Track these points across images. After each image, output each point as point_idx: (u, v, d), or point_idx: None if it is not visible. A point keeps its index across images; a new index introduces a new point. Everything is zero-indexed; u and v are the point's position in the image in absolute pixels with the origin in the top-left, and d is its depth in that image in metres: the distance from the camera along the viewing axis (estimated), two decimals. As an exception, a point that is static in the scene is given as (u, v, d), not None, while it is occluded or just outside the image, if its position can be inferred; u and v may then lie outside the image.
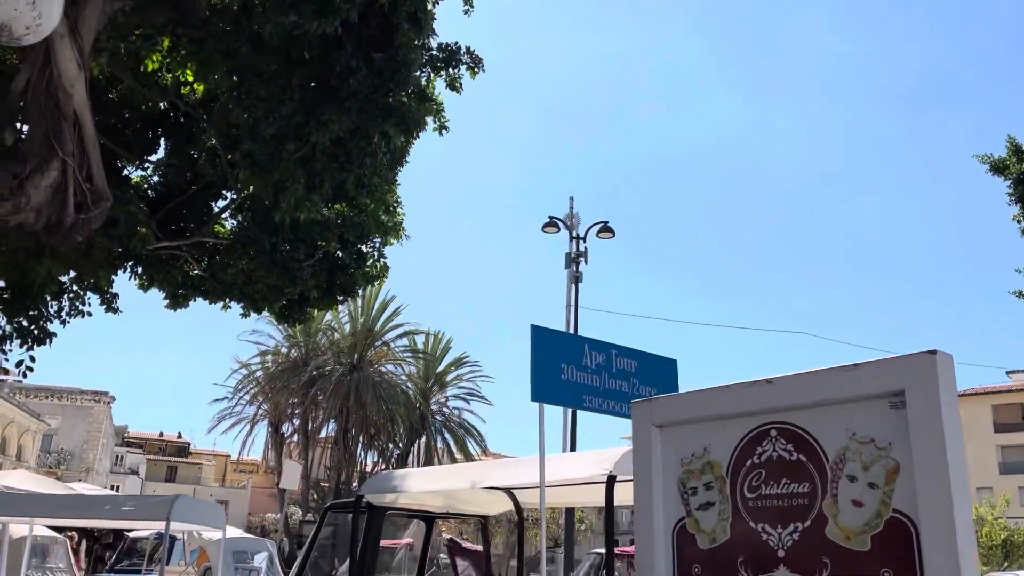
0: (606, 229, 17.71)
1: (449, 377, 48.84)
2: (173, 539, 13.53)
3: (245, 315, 10.38)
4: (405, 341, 46.75)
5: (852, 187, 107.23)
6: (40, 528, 11.58)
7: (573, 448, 15.94)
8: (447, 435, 48.05)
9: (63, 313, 9.40)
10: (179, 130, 9.90)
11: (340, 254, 9.76)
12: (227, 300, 10.12)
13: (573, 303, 16.72)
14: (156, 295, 10.00)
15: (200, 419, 60.24)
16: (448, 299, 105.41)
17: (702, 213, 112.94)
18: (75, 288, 9.54)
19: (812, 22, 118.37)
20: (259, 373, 44.93)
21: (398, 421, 44.93)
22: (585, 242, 17.54)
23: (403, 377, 47.08)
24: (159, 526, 8.63)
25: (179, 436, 68.92)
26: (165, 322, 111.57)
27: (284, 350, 44.99)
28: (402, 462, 46.47)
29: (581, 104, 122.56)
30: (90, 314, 9.65)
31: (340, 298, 10.35)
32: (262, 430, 45.48)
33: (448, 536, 19.51)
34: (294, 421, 45.54)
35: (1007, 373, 59.20)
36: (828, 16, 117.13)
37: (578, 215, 18.08)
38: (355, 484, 44.44)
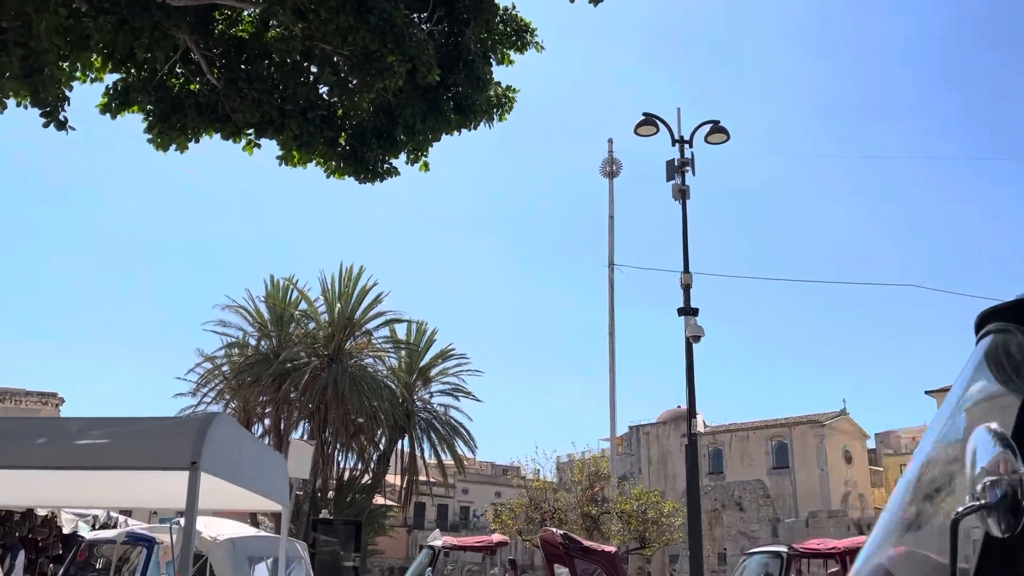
0: (718, 130, 13.78)
1: (434, 371, 44.88)
2: (150, 542, 8.93)
3: (284, 159, 6.00)
4: (386, 331, 42.50)
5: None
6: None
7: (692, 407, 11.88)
8: (432, 434, 44.14)
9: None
10: None
11: (459, 36, 5.57)
12: (253, 132, 5.80)
13: (681, 223, 12.85)
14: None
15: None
16: (427, 287, 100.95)
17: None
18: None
19: (776, 42, 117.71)
20: (225, 367, 40.21)
21: (380, 419, 40.46)
22: (692, 147, 13.60)
23: (384, 371, 42.81)
24: (170, 493, 3.83)
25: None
26: (118, 309, 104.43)
27: (252, 341, 40.39)
28: (382, 463, 42.36)
29: (563, 122, 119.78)
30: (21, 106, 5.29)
31: (455, 120, 5.81)
32: (229, 431, 40.58)
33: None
34: (265, 421, 40.96)
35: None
36: (791, 35, 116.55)
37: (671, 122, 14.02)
38: (331, 493, 39.82)
